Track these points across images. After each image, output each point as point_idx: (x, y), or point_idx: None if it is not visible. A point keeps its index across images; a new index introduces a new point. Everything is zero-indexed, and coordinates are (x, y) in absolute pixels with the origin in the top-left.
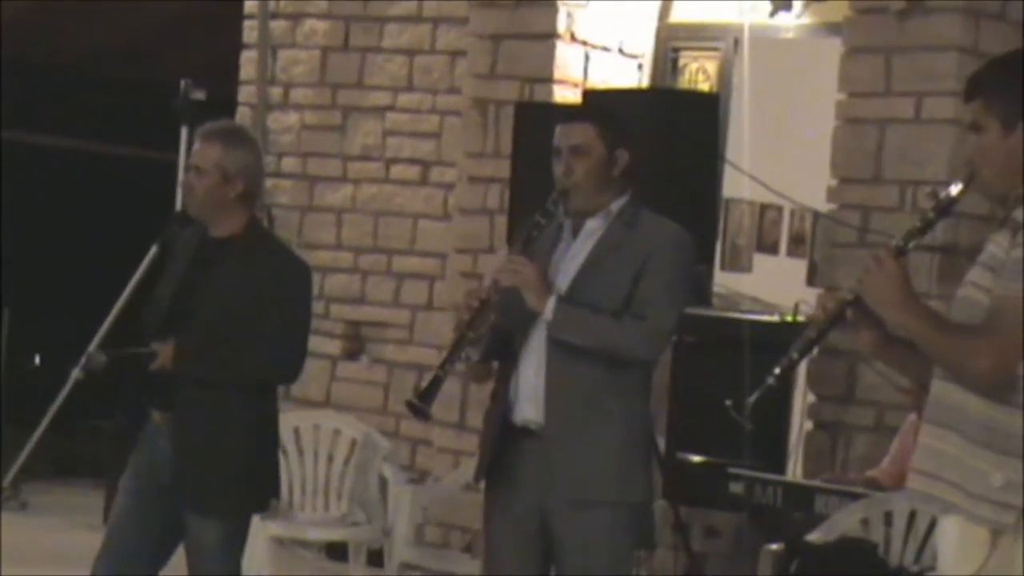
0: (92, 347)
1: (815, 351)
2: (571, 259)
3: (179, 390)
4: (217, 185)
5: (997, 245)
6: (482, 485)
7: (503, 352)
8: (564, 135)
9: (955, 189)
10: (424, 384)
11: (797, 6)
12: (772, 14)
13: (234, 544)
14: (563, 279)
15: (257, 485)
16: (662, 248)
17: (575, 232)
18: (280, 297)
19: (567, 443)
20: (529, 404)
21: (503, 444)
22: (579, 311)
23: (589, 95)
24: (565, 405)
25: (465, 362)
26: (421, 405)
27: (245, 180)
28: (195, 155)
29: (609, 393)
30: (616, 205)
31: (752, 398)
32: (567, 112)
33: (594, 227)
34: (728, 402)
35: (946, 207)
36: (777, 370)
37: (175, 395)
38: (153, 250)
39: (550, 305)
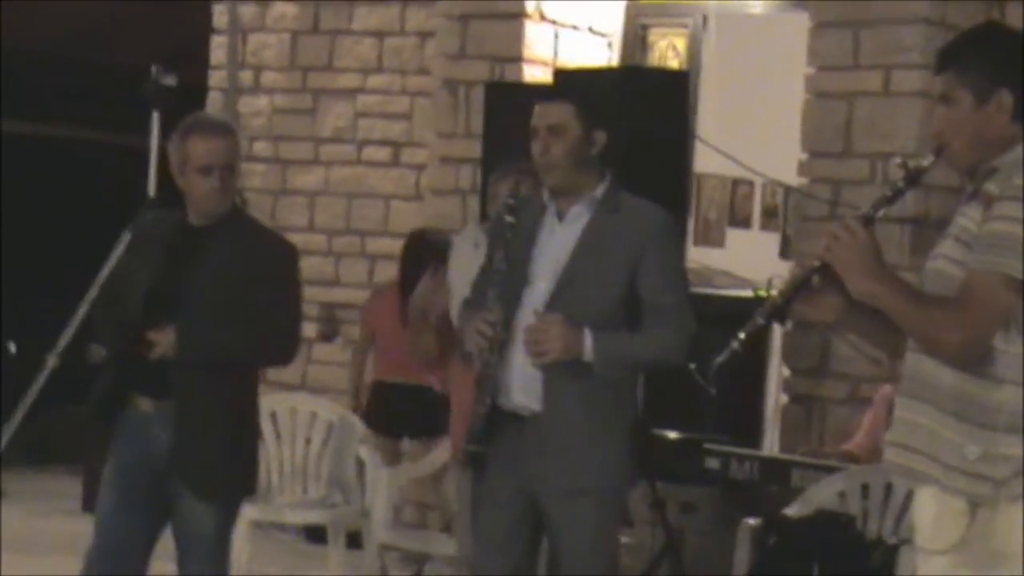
0: (64, 339)
1: (786, 322)
2: (558, 245)
3: (178, 377)
4: (236, 177)
5: (969, 219)
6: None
7: None
8: (542, 114)
9: (925, 160)
10: (471, 429)
11: None
12: None
13: (228, 529)
14: (551, 264)
15: (250, 470)
16: (654, 239)
17: (560, 216)
18: (273, 279)
19: (564, 432)
20: (519, 390)
21: (491, 428)
22: (615, 342)
23: (560, 74)
24: (563, 395)
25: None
26: (478, 449)
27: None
28: (219, 153)
29: (604, 382)
30: (599, 191)
31: (717, 361)
32: (545, 91)
33: (578, 212)
34: (692, 366)
35: (915, 177)
36: (742, 334)
37: (173, 382)
38: (126, 236)
39: (588, 345)
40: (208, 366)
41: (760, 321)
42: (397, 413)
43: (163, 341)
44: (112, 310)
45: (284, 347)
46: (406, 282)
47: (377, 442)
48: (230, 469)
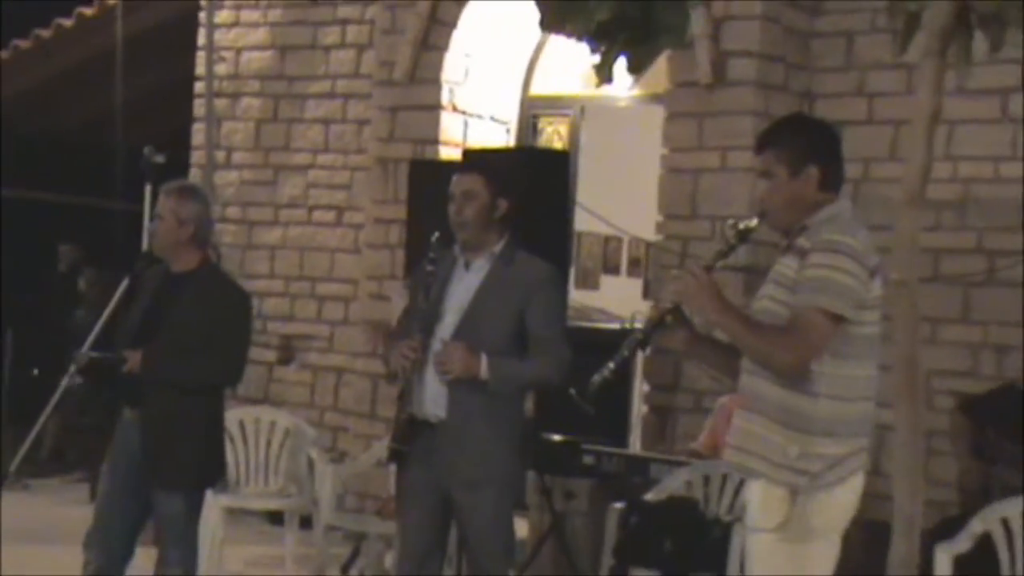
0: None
1: (646, 350)
2: (464, 289)
3: (147, 390)
4: (171, 229)
5: (787, 267)
6: (393, 465)
7: None
8: (458, 183)
9: (752, 222)
10: (396, 429)
11: (627, 80)
12: (597, 86)
13: (193, 512)
14: (457, 304)
15: (209, 466)
16: (540, 287)
17: (466, 266)
18: (227, 320)
19: (465, 434)
20: (430, 401)
21: (410, 433)
22: (506, 365)
23: (469, 153)
24: (464, 405)
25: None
26: (400, 448)
27: (194, 225)
28: (157, 206)
29: (498, 397)
30: (498, 247)
31: (593, 387)
32: (462, 165)
33: (480, 264)
34: (572, 390)
35: (744, 235)
36: (611, 364)
37: (143, 394)
38: (125, 283)
39: (484, 367)
40: (169, 383)
41: (625, 354)
42: None
43: (132, 360)
44: (116, 336)
45: (231, 374)
46: None
47: None
48: (191, 464)
